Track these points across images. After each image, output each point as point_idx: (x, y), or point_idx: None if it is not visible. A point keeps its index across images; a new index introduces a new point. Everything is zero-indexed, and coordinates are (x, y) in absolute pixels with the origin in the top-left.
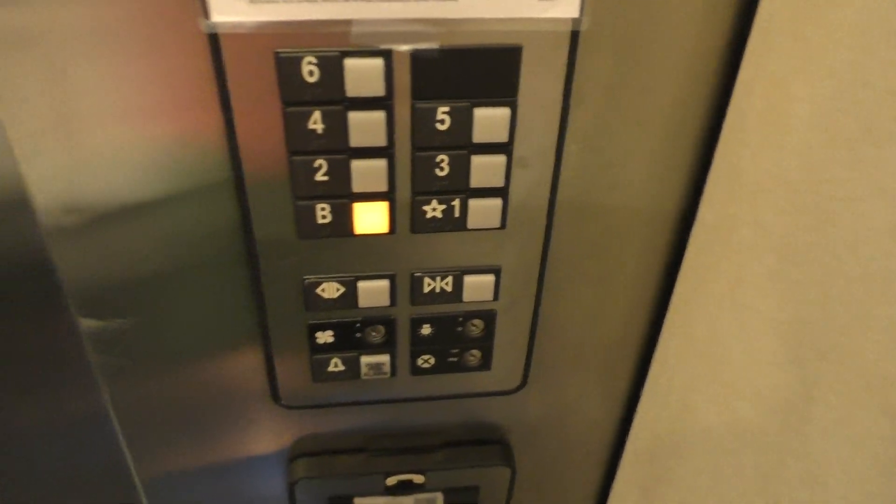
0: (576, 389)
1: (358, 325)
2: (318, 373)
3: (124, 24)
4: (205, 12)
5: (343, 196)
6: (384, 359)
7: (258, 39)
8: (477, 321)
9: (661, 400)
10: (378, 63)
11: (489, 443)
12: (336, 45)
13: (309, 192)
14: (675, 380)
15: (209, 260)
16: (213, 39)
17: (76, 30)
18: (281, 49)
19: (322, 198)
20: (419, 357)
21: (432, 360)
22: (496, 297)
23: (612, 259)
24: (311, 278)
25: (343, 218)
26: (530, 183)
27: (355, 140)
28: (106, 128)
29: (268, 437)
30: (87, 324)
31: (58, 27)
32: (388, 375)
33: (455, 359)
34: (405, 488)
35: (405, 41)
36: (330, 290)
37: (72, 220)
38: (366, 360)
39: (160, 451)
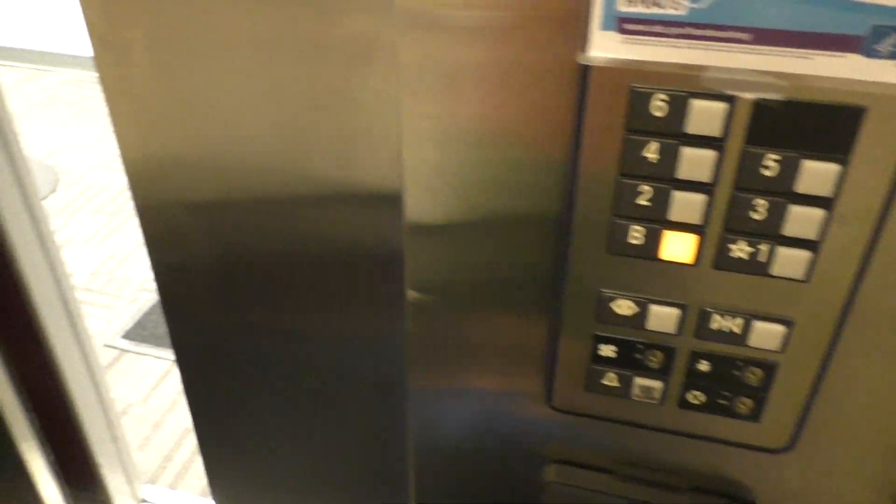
0: (847, 467)
1: (640, 346)
2: (592, 383)
3: (510, 54)
4: (583, 47)
5: (658, 222)
6: (657, 384)
7: (619, 73)
8: (756, 370)
9: None
10: (722, 106)
11: (738, 500)
12: (685, 85)
13: (628, 213)
14: None
15: (523, 259)
16: (583, 70)
17: (467, 55)
18: (636, 83)
19: (638, 220)
20: (690, 391)
21: (702, 398)
22: (782, 349)
23: None
24: (608, 292)
25: (652, 242)
26: (845, 242)
27: (682, 173)
28: (475, 141)
29: (529, 431)
30: (412, 294)
31: (454, 52)
32: (657, 402)
33: (725, 402)
34: None
35: (752, 90)
36: (623, 307)
37: (427, 216)
38: (639, 381)
39: (436, 412)
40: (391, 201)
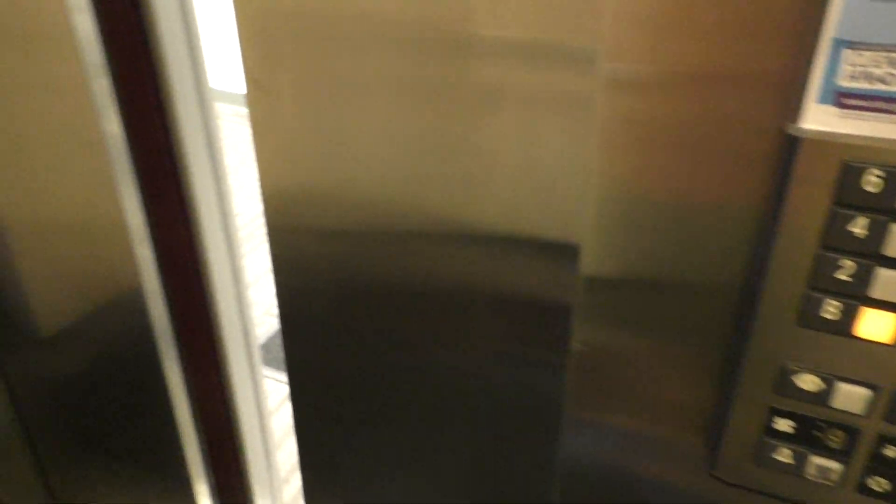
0: None
1: (822, 423)
2: (763, 457)
3: (711, 117)
4: (795, 119)
5: (857, 298)
6: (835, 466)
7: (831, 146)
8: None
9: None
10: None
11: None
12: None
13: (825, 286)
14: None
15: (699, 321)
16: (792, 140)
17: (666, 114)
18: (849, 157)
19: (836, 294)
20: (872, 476)
21: (885, 485)
22: None
23: None
24: (793, 365)
25: (848, 318)
26: None
27: (891, 250)
28: (664, 199)
29: (685, 498)
30: (577, 344)
31: (653, 111)
32: (833, 484)
33: None
34: None
35: None
36: (808, 381)
37: (604, 270)
38: (816, 460)
39: (589, 463)
40: (567, 252)
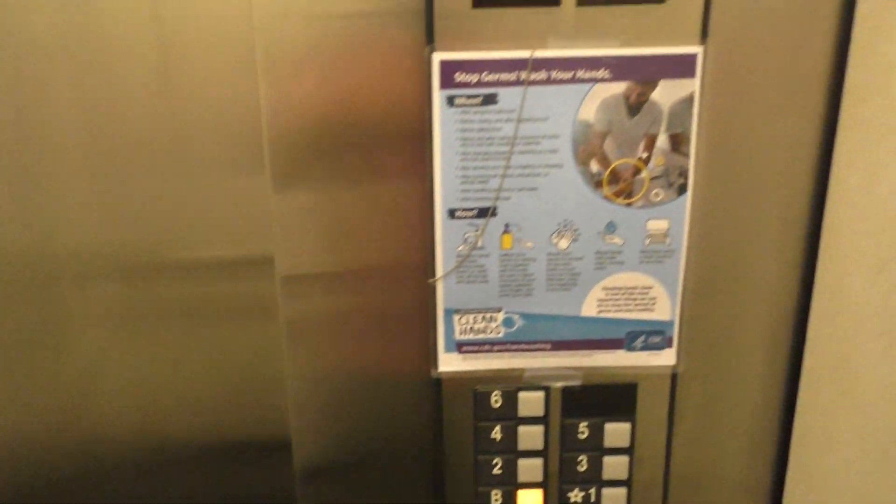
0: None
1: None
2: None
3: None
4: (434, 365)
5: (510, 484)
6: None
7: (464, 380)
8: None
9: None
10: (540, 395)
11: None
12: (513, 382)
13: (488, 482)
14: None
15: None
16: (437, 382)
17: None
18: (478, 386)
19: (497, 485)
20: None
21: None
22: None
23: None
24: None
25: (509, 501)
26: (646, 477)
27: (522, 445)
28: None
29: None
30: None
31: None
32: None
33: None
34: None
35: (560, 380)
36: None
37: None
38: None
39: None
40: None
